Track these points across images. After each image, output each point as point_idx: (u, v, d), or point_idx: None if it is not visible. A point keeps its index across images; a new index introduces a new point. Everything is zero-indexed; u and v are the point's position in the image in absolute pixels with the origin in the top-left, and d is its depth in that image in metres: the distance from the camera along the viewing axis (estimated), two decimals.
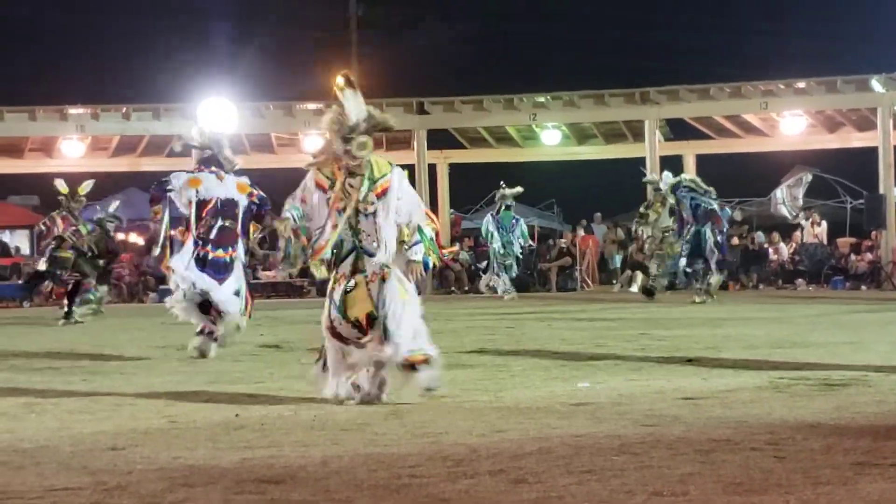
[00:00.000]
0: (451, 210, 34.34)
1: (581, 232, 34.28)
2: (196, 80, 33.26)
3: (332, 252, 8.43)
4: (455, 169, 34.34)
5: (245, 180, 12.91)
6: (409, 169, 32.99)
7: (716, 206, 23.04)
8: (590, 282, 32.80)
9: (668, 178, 23.58)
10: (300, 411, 7.97)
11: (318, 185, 8.45)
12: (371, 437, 6.80)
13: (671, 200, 23.17)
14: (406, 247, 8.50)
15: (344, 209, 8.37)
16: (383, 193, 8.42)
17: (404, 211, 8.50)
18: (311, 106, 32.77)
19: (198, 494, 5.20)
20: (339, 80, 8.52)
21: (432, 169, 33.09)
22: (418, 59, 43.64)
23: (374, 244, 8.38)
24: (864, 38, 43.05)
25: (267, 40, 44.34)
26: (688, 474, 5.43)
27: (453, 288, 31.12)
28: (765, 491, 4.99)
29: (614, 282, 31.91)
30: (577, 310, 21.35)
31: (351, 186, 8.39)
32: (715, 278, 23.03)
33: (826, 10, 45.61)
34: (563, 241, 33.58)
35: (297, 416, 7.76)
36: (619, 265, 32.73)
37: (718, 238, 22.88)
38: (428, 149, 32.42)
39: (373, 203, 8.39)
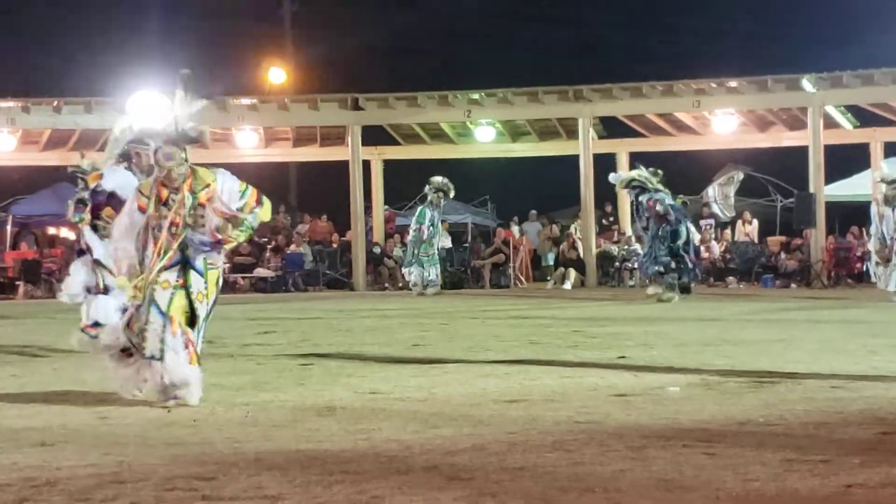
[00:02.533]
0: (386, 206, 34.29)
1: (515, 229, 34.34)
2: (128, 74, 32.95)
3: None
4: (389, 165, 34.29)
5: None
6: (343, 165, 33.12)
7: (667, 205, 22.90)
8: (523, 279, 32.85)
9: (621, 175, 23.54)
10: (232, 408, 7.93)
11: (140, 208, 8.41)
12: (304, 434, 6.78)
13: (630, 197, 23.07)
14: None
15: (171, 225, 8.31)
16: (209, 201, 8.40)
17: (234, 200, 8.51)
18: (245, 101, 32.64)
19: (128, 491, 5.16)
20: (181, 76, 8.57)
21: (366, 165, 33.00)
22: (353, 55, 43.52)
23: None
24: (796, 38, 43.44)
25: (201, 34, 44.03)
26: (620, 471, 5.46)
27: (387, 284, 31.08)
28: (696, 487, 5.02)
29: (548, 279, 31.99)
30: (511, 307, 21.39)
31: (173, 201, 8.35)
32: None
33: (758, 10, 45.99)
34: (496, 237, 33.64)
35: (229, 413, 7.73)
36: (552, 262, 32.81)
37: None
38: (362, 145, 32.32)
39: (202, 216, 8.37)
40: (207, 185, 8.44)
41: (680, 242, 22.60)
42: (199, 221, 8.36)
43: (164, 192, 8.36)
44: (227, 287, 30.94)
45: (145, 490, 5.17)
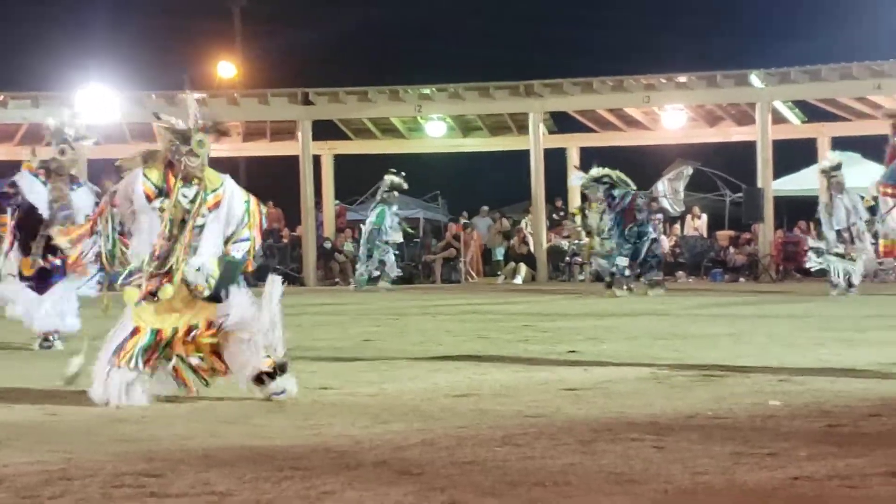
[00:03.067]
0: (336, 201, 34.24)
1: (465, 224, 34.36)
2: (76, 68, 32.76)
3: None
4: (340, 160, 34.25)
5: None
6: (294, 160, 33.03)
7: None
8: (474, 274, 32.89)
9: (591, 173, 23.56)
10: (181, 404, 7.89)
11: (146, 194, 8.14)
12: (253, 430, 6.76)
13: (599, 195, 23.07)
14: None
15: (177, 219, 8.13)
16: (216, 206, 8.19)
17: (233, 223, 8.30)
18: (195, 95, 32.48)
19: (76, 488, 5.13)
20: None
21: (317, 160, 32.95)
22: (303, 50, 43.42)
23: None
24: (744, 34, 43.71)
25: (149, 29, 43.82)
26: (569, 465, 5.47)
27: (337, 279, 31.03)
28: (645, 481, 5.04)
29: (498, 274, 32.04)
30: (462, 301, 21.41)
31: (184, 196, 8.15)
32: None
33: (707, 6, 46.20)
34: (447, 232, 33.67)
35: (177, 409, 7.69)
36: (502, 257, 32.86)
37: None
38: (313, 140, 32.26)
39: (204, 216, 8.19)
40: (216, 189, 8.25)
41: (646, 241, 22.80)
42: (199, 221, 8.17)
43: (174, 183, 8.20)
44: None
45: (93, 487, 5.14)
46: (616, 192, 22.71)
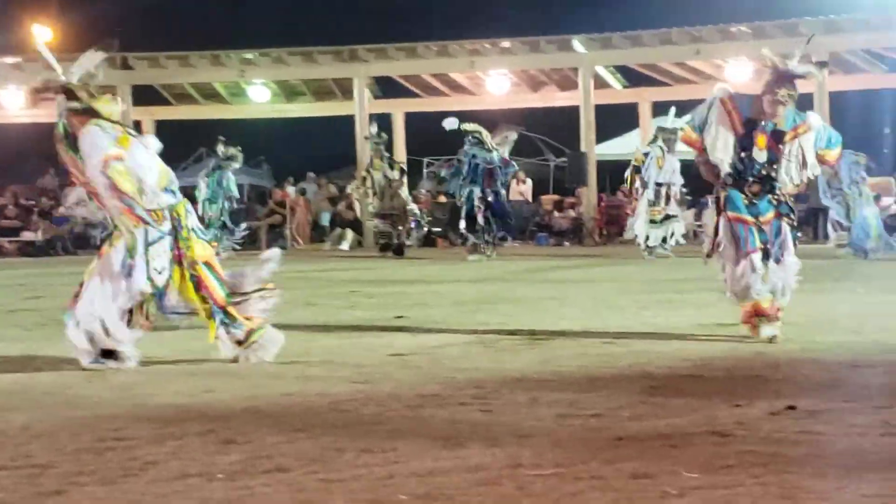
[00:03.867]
0: None
1: (291, 190, 34.16)
2: None
3: None
4: (161, 126, 33.75)
5: None
6: None
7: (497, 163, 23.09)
8: (300, 240, 32.74)
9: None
10: (1, 375, 7.70)
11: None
12: (73, 400, 6.62)
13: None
14: None
15: None
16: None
17: None
18: (10, 60, 31.69)
19: None
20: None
21: (137, 126, 32.39)
22: (122, 13, 42.56)
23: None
24: (567, 0, 44.05)
25: None
26: (397, 430, 5.47)
27: None
28: (472, 444, 5.06)
29: (325, 239, 31.94)
30: (288, 268, 21.23)
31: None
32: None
33: None
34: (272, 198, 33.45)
35: None
36: (329, 223, 32.76)
37: (490, 198, 22.96)
38: (133, 105, 31.72)
39: None
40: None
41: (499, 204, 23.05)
42: None
43: None
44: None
45: None
46: (478, 152, 22.74)
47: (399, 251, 24.62)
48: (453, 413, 5.91)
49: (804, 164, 8.84)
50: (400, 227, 24.85)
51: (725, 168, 8.83)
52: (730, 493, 4.18)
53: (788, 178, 8.82)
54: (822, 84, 29.00)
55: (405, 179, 25.79)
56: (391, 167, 24.93)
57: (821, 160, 8.97)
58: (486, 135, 22.77)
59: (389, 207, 24.75)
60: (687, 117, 9.32)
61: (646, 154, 22.75)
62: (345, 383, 6.99)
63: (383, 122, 32.82)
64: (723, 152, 8.83)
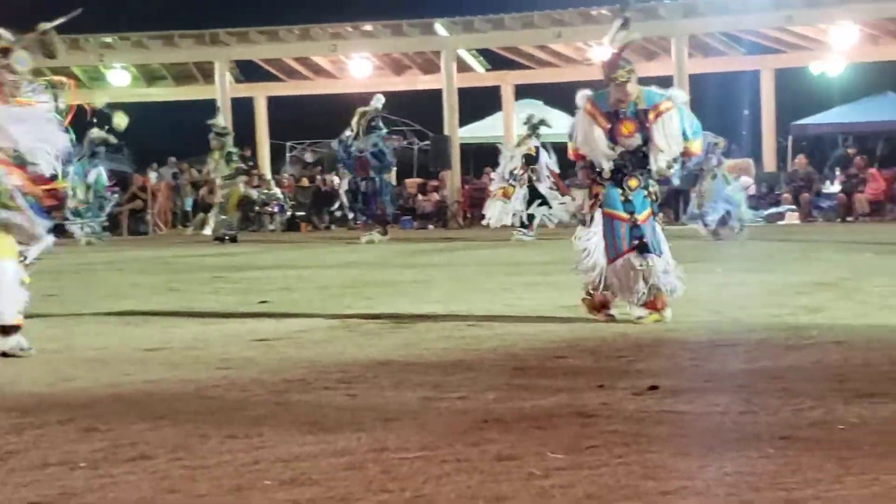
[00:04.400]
0: None
1: (152, 175, 33.75)
2: None
3: None
4: None
5: None
6: None
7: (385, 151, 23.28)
8: (162, 225, 32.40)
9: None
10: None
11: None
12: None
13: None
14: None
15: None
16: None
17: None
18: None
19: None
20: None
21: None
22: None
23: None
24: None
25: None
26: (262, 415, 5.44)
27: None
28: (338, 429, 5.05)
29: (187, 224, 31.65)
30: (150, 254, 21.06)
31: None
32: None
33: None
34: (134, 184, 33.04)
35: None
36: (191, 208, 32.46)
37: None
38: None
39: None
40: None
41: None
42: None
43: None
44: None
45: None
46: (352, 141, 22.88)
47: (222, 239, 24.46)
48: (318, 398, 5.90)
49: (674, 140, 8.93)
50: (223, 217, 24.76)
51: (606, 168, 8.89)
52: (594, 472, 4.22)
53: (662, 156, 8.90)
54: (682, 65, 29.50)
55: (253, 172, 25.87)
56: (228, 162, 24.80)
57: (686, 153, 9.09)
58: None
59: (220, 198, 24.75)
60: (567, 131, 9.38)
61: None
62: (209, 369, 6.93)
63: (246, 106, 32.64)
64: (598, 153, 8.89)
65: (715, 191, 20.82)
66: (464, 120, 33.66)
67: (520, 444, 4.69)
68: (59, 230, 25.73)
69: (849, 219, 29.65)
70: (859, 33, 31.84)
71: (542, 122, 22.60)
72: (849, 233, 23.36)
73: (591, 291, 9.04)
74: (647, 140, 8.86)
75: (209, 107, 31.20)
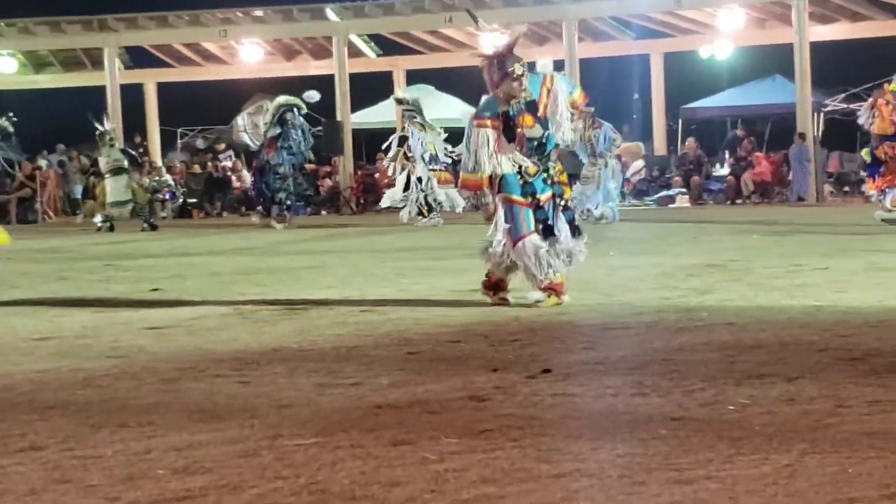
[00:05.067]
0: None
1: (42, 162, 33.27)
2: None
3: None
4: None
5: None
6: None
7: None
8: (51, 213, 31.97)
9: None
10: None
11: None
12: None
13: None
14: None
15: None
16: None
17: None
18: None
19: None
20: None
21: None
22: None
23: None
24: None
25: None
26: (153, 404, 5.39)
27: None
28: (231, 416, 5.02)
29: (77, 213, 31.27)
30: (40, 243, 20.78)
31: None
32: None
33: None
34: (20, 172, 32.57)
35: None
36: (81, 196, 32.07)
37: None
38: None
39: None
40: None
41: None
42: None
43: None
44: None
45: None
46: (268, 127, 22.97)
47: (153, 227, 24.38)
48: (211, 385, 5.86)
49: (569, 113, 8.99)
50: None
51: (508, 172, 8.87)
52: (488, 456, 4.23)
53: (568, 126, 8.96)
54: (572, 49, 29.69)
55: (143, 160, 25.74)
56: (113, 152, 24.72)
57: (573, 105, 9.13)
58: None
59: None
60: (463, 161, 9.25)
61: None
62: (99, 358, 6.86)
63: (135, 93, 32.29)
64: (502, 166, 8.86)
65: (602, 180, 21.06)
66: (356, 105, 33.59)
67: (414, 429, 4.69)
68: None
69: (738, 201, 30.09)
70: (746, 17, 32.27)
71: (400, 101, 22.87)
72: (738, 215, 23.69)
73: (489, 272, 9.07)
74: (547, 123, 8.89)
75: (98, 93, 30.86)
